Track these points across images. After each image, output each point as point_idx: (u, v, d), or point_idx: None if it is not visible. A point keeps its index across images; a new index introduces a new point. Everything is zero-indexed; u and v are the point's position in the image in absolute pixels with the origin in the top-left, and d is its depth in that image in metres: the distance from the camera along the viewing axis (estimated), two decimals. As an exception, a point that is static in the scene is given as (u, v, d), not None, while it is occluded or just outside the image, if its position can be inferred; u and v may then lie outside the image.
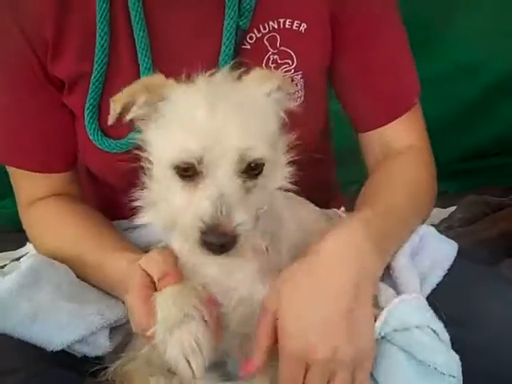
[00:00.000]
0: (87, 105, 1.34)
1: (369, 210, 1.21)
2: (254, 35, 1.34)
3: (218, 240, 0.98)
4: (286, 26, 1.34)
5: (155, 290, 1.12)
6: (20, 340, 1.16)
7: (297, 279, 1.09)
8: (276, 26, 1.34)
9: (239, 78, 1.11)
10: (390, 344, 1.12)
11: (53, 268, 1.29)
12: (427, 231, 1.29)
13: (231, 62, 1.20)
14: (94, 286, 1.32)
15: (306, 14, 1.34)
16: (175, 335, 1.03)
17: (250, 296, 1.14)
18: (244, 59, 1.23)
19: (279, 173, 1.12)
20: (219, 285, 1.15)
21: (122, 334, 1.29)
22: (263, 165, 1.04)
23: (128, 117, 1.11)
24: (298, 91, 1.31)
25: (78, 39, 1.33)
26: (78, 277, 1.32)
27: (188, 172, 1.03)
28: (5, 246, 2.50)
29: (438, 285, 1.21)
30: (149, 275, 1.15)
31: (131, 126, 1.16)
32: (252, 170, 1.03)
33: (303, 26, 1.34)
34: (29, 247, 2.31)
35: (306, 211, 1.32)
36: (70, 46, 1.33)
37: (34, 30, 1.32)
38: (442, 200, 2.49)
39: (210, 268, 1.14)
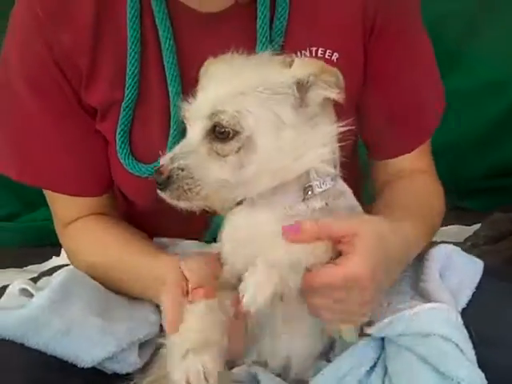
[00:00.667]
0: (118, 130, 1.37)
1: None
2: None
3: (155, 177, 1.11)
4: (319, 54, 1.35)
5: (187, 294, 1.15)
6: (52, 356, 1.18)
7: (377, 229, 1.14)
8: (308, 55, 1.35)
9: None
10: (409, 353, 1.13)
11: (83, 283, 1.32)
12: (453, 250, 1.31)
13: None
14: (125, 295, 1.37)
15: (339, 44, 1.35)
16: (186, 361, 1.04)
17: None
18: None
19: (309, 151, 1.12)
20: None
21: (151, 350, 1.31)
22: (232, 133, 1.08)
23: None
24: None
25: (110, 68, 1.36)
26: (111, 285, 1.36)
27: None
28: (33, 259, 2.53)
29: (466, 304, 1.22)
30: (186, 279, 1.17)
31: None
32: (221, 134, 1.08)
33: (335, 56, 1.36)
34: (55, 261, 2.37)
35: None
36: (103, 75, 1.36)
37: (68, 60, 1.34)
38: (466, 217, 2.50)
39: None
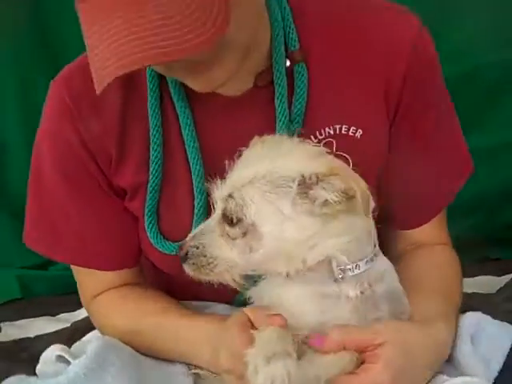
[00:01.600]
0: (146, 211, 1.41)
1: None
2: (310, 142, 1.33)
3: (177, 252, 1.21)
4: (343, 131, 1.36)
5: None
6: None
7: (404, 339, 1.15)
8: (332, 132, 1.36)
9: None
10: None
11: (117, 351, 1.33)
12: (482, 318, 1.32)
13: None
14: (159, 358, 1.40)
15: (362, 121, 1.36)
16: (270, 366, 1.04)
17: None
18: None
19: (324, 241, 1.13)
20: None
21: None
22: (236, 219, 1.13)
23: None
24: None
25: (137, 152, 1.39)
26: (148, 350, 1.39)
27: None
28: (64, 307, 2.55)
29: (498, 372, 1.22)
30: (250, 320, 1.20)
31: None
32: (228, 219, 1.15)
33: (359, 132, 1.36)
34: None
35: None
36: (131, 159, 1.40)
37: (97, 146, 1.38)
38: (495, 268, 2.46)
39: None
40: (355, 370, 1.12)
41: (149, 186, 1.39)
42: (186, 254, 1.18)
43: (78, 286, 1.56)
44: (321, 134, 1.36)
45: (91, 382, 1.23)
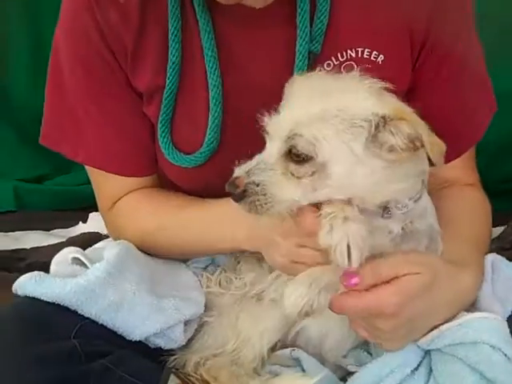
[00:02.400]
0: (160, 119, 1.38)
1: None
2: (331, 62, 1.33)
3: (228, 188, 1.12)
4: (365, 55, 1.33)
5: None
6: (103, 326, 1.22)
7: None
8: (354, 55, 1.33)
9: None
10: (456, 358, 1.16)
11: (136, 258, 1.35)
12: (496, 258, 1.33)
13: None
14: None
15: (385, 45, 1.34)
16: (345, 225, 1.05)
17: None
18: None
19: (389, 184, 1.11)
20: None
21: (195, 327, 1.35)
22: (307, 158, 1.07)
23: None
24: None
25: (154, 54, 1.35)
26: (173, 246, 1.41)
27: None
28: (59, 223, 2.54)
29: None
30: None
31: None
32: (296, 156, 1.08)
33: (381, 58, 1.34)
34: (82, 227, 2.39)
35: None
36: (148, 60, 1.36)
37: (115, 38, 1.34)
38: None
39: None
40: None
41: (165, 92, 1.36)
42: (244, 192, 1.10)
43: (95, 191, 1.54)
44: (342, 56, 1.34)
45: (110, 287, 1.24)
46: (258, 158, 1.13)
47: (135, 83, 1.39)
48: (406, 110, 1.09)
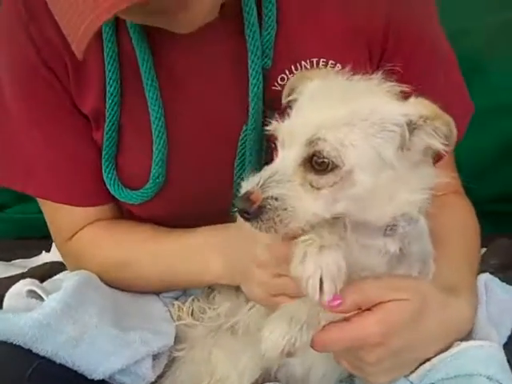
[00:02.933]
0: (103, 154, 1.29)
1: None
2: (285, 76, 1.26)
3: (241, 205, 0.98)
4: (320, 65, 1.26)
5: None
6: (62, 365, 1.10)
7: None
8: (309, 66, 1.26)
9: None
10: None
11: (97, 288, 1.25)
12: (489, 279, 1.26)
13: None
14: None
15: (340, 53, 1.26)
16: (320, 255, 0.95)
17: None
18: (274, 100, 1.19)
19: (404, 194, 1.03)
20: None
21: (165, 362, 1.25)
22: (331, 166, 0.96)
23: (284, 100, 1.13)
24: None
25: (95, 76, 1.26)
26: (141, 281, 1.33)
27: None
28: (20, 252, 2.43)
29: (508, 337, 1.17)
30: None
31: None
32: (319, 165, 0.97)
33: (338, 67, 1.25)
34: (46, 256, 2.28)
35: None
36: (90, 80, 1.26)
37: (56, 58, 1.24)
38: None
39: None
40: (350, 317, 1.02)
41: (105, 126, 1.27)
42: (260, 208, 0.96)
43: (50, 225, 1.43)
44: (296, 69, 1.26)
45: (68, 320, 1.12)
46: (270, 168, 1.00)
47: (80, 104, 1.29)
48: (437, 109, 1.00)
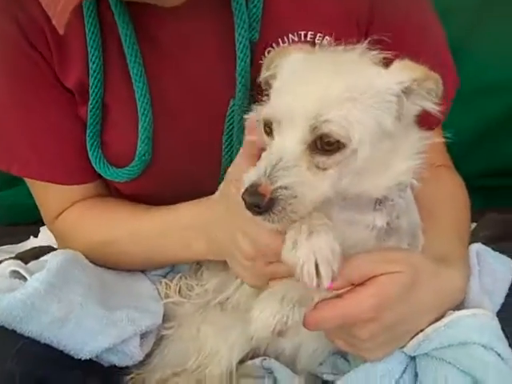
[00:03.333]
0: (87, 132, 1.26)
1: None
2: (272, 50, 1.23)
3: (251, 199, 0.92)
4: (308, 39, 1.24)
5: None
6: (47, 345, 1.07)
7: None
8: (296, 39, 1.23)
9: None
10: (445, 363, 1.05)
11: (83, 267, 1.22)
12: (482, 249, 1.23)
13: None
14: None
15: (329, 26, 1.23)
16: (310, 240, 0.92)
17: None
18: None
19: (398, 164, 1.01)
20: None
21: (153, 341, 1.24)
22: (341, 144, 0.93)
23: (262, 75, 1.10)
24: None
25: (77, 50, 1.22)
26: (125, 260, 1.30)
27: (268, 131, 0.99)
28: (7, 238, 2.40)
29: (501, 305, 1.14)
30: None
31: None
32: (327, 145, 0.93)
33: (326, 40, 1.23)
34: (33, 241, 2.25)
35: None
36: (72, 55, 1.23)
37: (37, 32, 1.21)
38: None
39: None
40: (342, 294, 1.00)
41: (89, 104, 1.24)
42: (271, 200, 0.91)
43: (38, 204, 1.40)
44: (283, 42, 1.23)
45: (52, 299, 1.10)
46: (273, 154, 0.94)
47: (63, 80, 1.25)
48: (425, 69, 0.98)
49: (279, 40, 1.23)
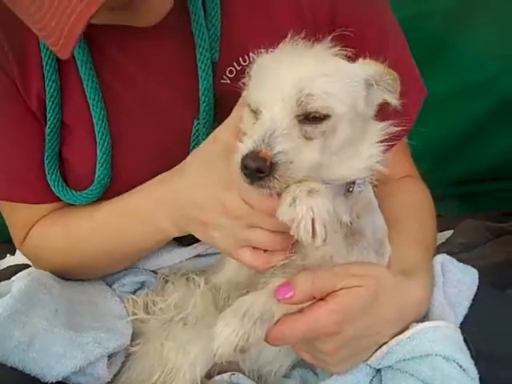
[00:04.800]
0: (45, 155, 1.25)
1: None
2: (233, 69, 1.24)
3: (254, 163, 0.94)
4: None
5: None
6: (14, 369, 1.07)
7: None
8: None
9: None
10: (408, 375, 1.06)
11: (48, 290, 1.21)
12: (447, 260, 1.24)
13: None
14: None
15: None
16: (310, 198, 0.94)
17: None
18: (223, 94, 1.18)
19: (365, 149, 1.06)
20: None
21: (121, 360, 1.23)
22: (327, 116, 0.99)
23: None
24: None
25: (36, 74, 1.22)
26: (95, 258, 1.29)
27: (255, 110, 1.03)
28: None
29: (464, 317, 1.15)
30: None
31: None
32: (312, 117, 0.98)
33: None
34: (10, 260, 2.23)
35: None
36: (32, 81, 1.22)
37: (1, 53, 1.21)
38: (437, 224, 2.44)
39: None
40: (303, 309, 1.01)
41: (47, 128, 1.24)
42: (272, 165, 0.94)
43: (8, 225, 1.40)
44: (244, 60, 1.24)
45: (16, 324, 1.10)
46: (263, 127, 0.97)
47: (27, 98, 1.25)
48: (385, 66, 1.06)
49: (240, 59, 1.24)
